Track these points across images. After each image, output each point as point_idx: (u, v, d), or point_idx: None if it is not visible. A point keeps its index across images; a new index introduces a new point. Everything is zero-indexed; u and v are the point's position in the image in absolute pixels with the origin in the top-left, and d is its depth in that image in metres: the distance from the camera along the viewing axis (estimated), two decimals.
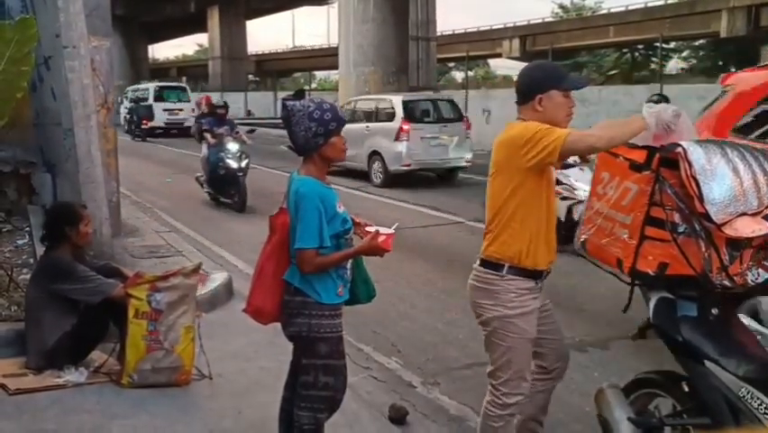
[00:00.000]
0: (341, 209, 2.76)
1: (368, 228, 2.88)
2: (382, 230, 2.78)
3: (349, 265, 2.84)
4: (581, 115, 4.71)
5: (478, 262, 2.92)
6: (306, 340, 2.76)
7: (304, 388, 2.80)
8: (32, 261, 5.53)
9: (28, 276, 4.65)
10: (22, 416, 3.48)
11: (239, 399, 3.76)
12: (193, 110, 23.78)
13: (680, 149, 2.42)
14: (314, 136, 2.68)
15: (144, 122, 25.75)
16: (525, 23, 42.39)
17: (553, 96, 2.75)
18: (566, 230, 4.24)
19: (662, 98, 10.28)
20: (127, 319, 3.81)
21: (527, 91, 2.79)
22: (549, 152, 2.57)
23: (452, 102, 14.54)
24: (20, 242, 6.32)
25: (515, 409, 2.88)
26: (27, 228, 6.63)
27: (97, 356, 4.07)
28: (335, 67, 25.61)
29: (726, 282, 2.40)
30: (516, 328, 2.80)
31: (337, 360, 2.80)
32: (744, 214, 2.36)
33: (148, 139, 25.02)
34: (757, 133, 4.71)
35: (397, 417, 3.71)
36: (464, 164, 13.52)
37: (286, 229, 2.78)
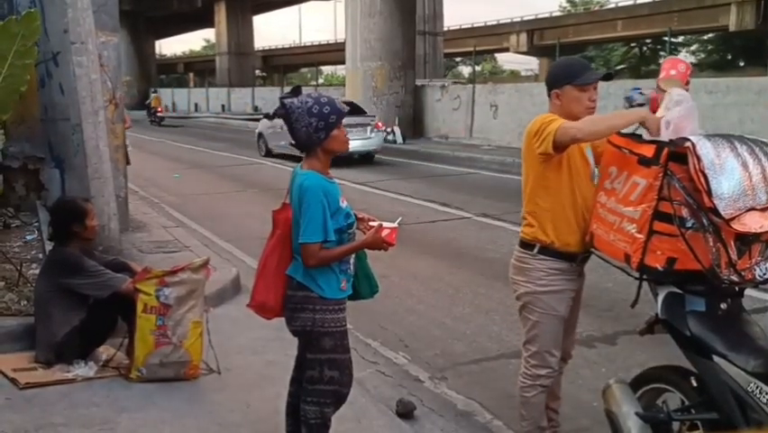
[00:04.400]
0: (344, 204, 2.76)
1: (371, 223, 2.88)
2: (386, 224, 2.78)
3: (352, 260, 2.85)
4: None
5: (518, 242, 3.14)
6: (311, 335, 2.76)
7: (309, 382, 2.81)
8: (41, 256, 5.56)
9: (37, 271, 4.67)
10: (31, 410, 3.50)
11: (247, 392, 3.77)
12: None
13: (688, 143, 2.41)
14: (315, 131, 2.68)
15: None
16: (533, 17, 42.20)
17: (567, 92, 2.94)
18: None
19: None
20: (136, 314, 3.83)
21: (548, 87, 3.05)
22: (546, 143, 2.80)
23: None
24: (29, 237, 6.35)
25: (545, 381, 3.07)
26: (36, 223, 6.67)
27: (106, 350, 4.09)
28: (342, 62, 25.59)
29: (735, 277, 2.39)
30: (543, 304, 3.00)
31: (342, 354, 2.81)
32: (752, 209, 2.35)
33: (156, 134, 25.30)
34: None
35: (405, 411, 3.71)
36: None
37: (288, 224, 2.78)
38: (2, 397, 3.63)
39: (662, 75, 2.83)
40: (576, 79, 2.93)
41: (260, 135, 18.73)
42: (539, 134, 2.83)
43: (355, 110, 16.69)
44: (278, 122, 19.00)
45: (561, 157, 2.88)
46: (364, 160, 16.22)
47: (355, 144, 15.27)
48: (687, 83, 2.78)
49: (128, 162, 9.33)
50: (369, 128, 16.27)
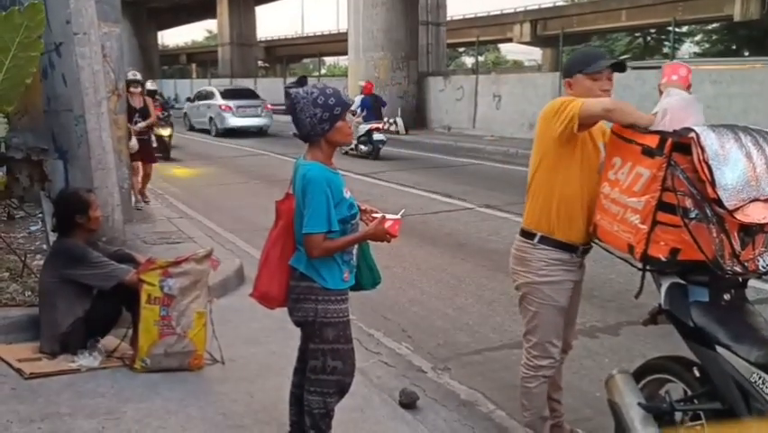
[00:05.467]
0: (347, 195, 2.76)
1: (374, 214, 2.89)
2: (389, 216, 2.79)
3: (354, 251, 2.85)
4: None
5: (519, 231, 3.13)
6: (314, 325, 2.77)
7: (312, 372, 2.82)
8: (45, 246, 5.58)
9: (41, 262, 4.69)
10: (37, 399, 3.52)
11: (250, 383, 3.79)
12: None
13: (692, 134, 2.40)
14: (319, 122, 2.67)
15: None
16: (536, 7, 41.96)
17: (578, 81, 2.97)
18: None
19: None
20: (140, 305, 3.84)
21: (563, 76, 3.12)
22: (570, 118, 2.76)
23: None
24: (33, 228, 6.38)
25: (546, 372, 3.07)
26: (40, 214, 6.69)
27: (110, 341, 4.11)
28: (345, 52, 25.47)
29: (738, 268, 2.39)
30: (543, 295, 2.99)
31: (344, 344, 2.81)
32: (756, 199, 2.35)
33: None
34: None
35: (408, 401, 3.73)
36: None
37: (291, 215, 2.79)
38: (7, 387, 3.66)
39: (663, 80, 2.81)
40: (587, 68, 2.93)
41: (186, 114, 24.07)
42: (560, 113, 2.80)
43: (250, 94, 22.95)
44: (197, 104, 22.72)
45: (575, 143, 2.87)
46: (260, 134, 21.26)
47: (250, 121, 21.29)
48: (689, 87, 2.77)
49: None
50: (259, 109, 21.56)
